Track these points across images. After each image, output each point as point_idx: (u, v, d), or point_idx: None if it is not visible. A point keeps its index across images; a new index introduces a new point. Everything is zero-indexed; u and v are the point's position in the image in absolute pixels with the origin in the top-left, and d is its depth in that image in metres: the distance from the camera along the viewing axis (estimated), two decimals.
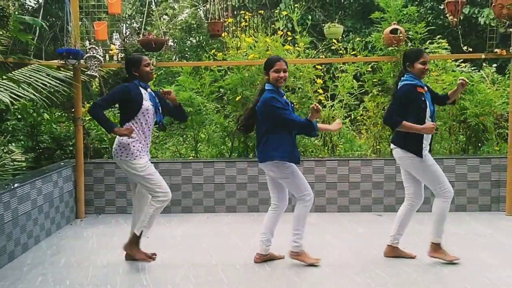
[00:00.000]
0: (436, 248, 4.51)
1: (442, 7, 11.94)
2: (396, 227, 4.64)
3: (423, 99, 4.36)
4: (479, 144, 7.16)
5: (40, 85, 5.66)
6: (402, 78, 4.48)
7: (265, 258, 4.59)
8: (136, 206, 4.73)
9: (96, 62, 6.05)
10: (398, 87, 4.47)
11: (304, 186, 4.41)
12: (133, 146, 4.41)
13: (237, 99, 6.81)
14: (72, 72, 6.26)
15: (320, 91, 7.17)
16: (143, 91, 4.51)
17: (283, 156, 4.29)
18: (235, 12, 13.20)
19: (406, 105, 4.33)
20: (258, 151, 4.43)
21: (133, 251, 4.56)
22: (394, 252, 4.68)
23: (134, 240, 4.55)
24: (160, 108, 4.62)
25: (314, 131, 4.31)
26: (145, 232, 4.51)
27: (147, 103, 4.48)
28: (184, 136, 8.78)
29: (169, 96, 4.65)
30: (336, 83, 7.38)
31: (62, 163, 6.40)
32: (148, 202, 4.52)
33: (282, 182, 4.46)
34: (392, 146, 4.56)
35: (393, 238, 4.67)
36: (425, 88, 4.47)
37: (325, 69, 7.58)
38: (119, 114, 4.62)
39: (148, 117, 4.51)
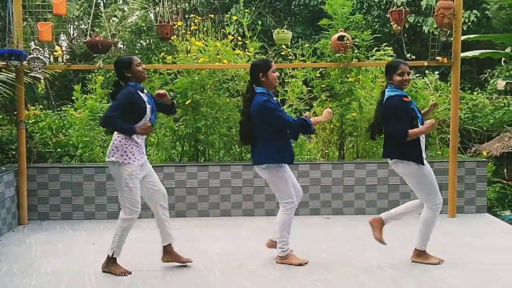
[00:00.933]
0: (420, 254, 4.59)
1: (388, 16, 12.32)
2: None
3: (412, 107, 4.42)
4: None
5: None
6: (385, 89, 4.53)
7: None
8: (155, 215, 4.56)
9: (40, 64, 5.87)
10: (385, 98, 4.48)
11: (288, 191, 4.49)
12: (128, 149, 4.26)
13: (187, 102, 6.76)
14: (14, 74, 6.05)
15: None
16: (141, 94, 4.37)
17: (276, 158, 4.38)
18: (186, 16, 13.13)
19: (400, 116, 4.36)
20: (253, 154, 4.53)
21: (111, 268, 4.40)
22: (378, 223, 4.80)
23: (111, 261, 4.41)
24: (154, 109, 4.49)
25: (310, 128, 4.38)
26: (117, 253, 4.40)
27: (149, 107, 4.36)
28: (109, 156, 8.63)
29: (164, 98, 4.52)
30: (286, 88, 7.45)
31: (3, 168, 6.18)
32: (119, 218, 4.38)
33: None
34: (391, 161, 4.56)
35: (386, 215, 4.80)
36: (409, 97, 4.52)
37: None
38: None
39: (149, 120, 4.38)
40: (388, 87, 4.51)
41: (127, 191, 4.26)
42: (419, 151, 4.39)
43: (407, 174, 4.52)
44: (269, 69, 4.41)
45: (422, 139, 4.48)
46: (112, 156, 4.27)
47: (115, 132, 4.35)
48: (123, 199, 4.30)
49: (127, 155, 4.24)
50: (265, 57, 7.64)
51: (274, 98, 4.48)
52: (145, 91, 4.46)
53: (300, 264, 4.53)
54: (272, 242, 4.76)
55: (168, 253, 4.55)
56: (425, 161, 4.42)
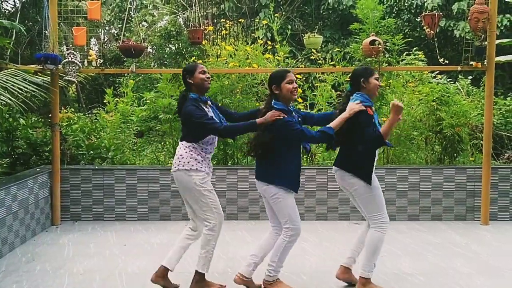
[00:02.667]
0: (365, 283, 4.05)
1: (419, 20, 12.17)
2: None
3: (374, 121, 4.02)
4: (455, 155, 7.28)
5: (17, 89, 5.59)
6: (352, 97, 4.07)
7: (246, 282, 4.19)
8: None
9: (74, 68, 5.99)
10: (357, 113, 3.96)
11: (294, 218, 4.03)
12: (193, 157, 3.99)
13: None
14: (49, 77, 6.19)
15: (300, 100, 7.22)
16: (206, 108, 4.04)
17: (283, 182, 3.95)
18: (215, 20, 13.22)
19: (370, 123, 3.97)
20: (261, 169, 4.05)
21: (203, 285, 4.12)
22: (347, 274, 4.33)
23: (201, 277, 4.13)
24: (222, 119, 4.14)
25: (331, 136, 3.87)
26: (207, 268, 4.12)
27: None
28: (163, 143, 8.74)
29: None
30: (315, 93, 7.43)
31: (38, 169, 6.30)
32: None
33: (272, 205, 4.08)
34: (336, 168, 4.16)
35: (349, 261, 4.34)
36: (373, 108, 4.14)
37: (304, 78, 7.64)
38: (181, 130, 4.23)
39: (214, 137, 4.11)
40: (355, 95, 4.06)
41: (208, 195, 4.00)
42: (370, 168, 4.01)
43: (355, 187, 4.06)
44: (282, 80, 3.92)
45: (376, 156, 4.09)
46: (178, 165, 4.01)
47: (181, 144, 4.08)
48: (207, 207, 4.00)
49: (193, 162, 3.98)
50: (294, 61, 7.67)
51: (294, 114, 4.05)
52: (209, 102, 4.15)
53: None
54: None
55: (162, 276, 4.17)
56: (373, 175, 4.04)
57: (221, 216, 4.08)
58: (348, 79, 7.21)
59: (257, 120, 3.88)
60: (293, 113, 4.04)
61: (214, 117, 4.02)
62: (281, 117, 3.81)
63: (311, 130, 3.95)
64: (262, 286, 4.16)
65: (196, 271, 4.10)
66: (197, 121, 3.91)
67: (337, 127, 3.91)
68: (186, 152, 4.01)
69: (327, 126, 3.91)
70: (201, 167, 3.99)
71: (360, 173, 4.01)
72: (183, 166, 3.98)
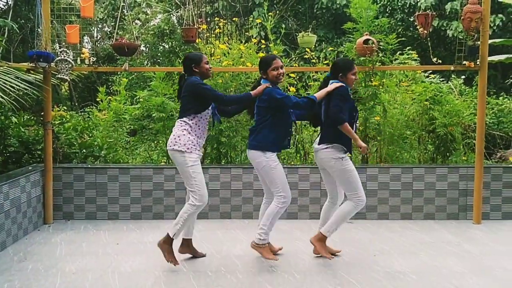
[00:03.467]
0: (321, 239, 4.71)
1: (412, 19, 12.22)
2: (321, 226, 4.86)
3: (351, 102, 4.63)
4: (447, 154, 7.31)
5: (9, 87, 5.55)
6: (333, 81, 4.64)
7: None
8: None
9: (67, 66, 5.96)
10: (336, 85, 4.58)
11: (285, 186, 4.58)
12: (188, 139, 4.48)
13: None
14: (42, 75, 6.15)
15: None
16: None
17: (273, 147, 4.55)
18: (209, 19, 13.20)
19: (344, 105, 4.49)
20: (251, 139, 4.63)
21: (166, 249, 4.59)
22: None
23: (168, 241, 4.60)
24: (216, 108, 4.78)
25: (315, 103, 4.49)
26: (177, 235, 4.57)
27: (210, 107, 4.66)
28: (156, 141, 8.72)
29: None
30: (308, 92, 7.43)
31: (30, 168, 6.27)
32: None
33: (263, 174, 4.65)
34: (321, 146, 4.62)
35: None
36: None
37: (298, 77, 7.64)
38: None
39: (208, 115, 4.64)
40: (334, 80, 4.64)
41: (194, 177, 4.45)
42: (350, 143, 4.57)
43: (334, 166, 4.57)
44: (268, 67, 4.56)
45: (354, 129, 4.62)
46: (175, 145, 4.47)
47: (178, 124, 4.57)
48: (192, 187, 4.47)
49: (189, 145, 4.46)
50: (288, 60, 7.67)
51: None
52: None
53: (269, 259, 4.65)
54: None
55: (187, 246, 4.87)
56: (348, 158, 4.62)
57: (203, 197, 4.50)
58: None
59: (252, 91, 4.59)
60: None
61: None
62: (269, 86, 4.52)
63: (296, 97, 4.51)
64: (252, 245, 4.68)
65: (167, 234, 4.55)
66: (203, 86, 4.48)
67: (319, 98, 4.52)
68: (184, 134, 4.48)
69: (311, 95, 4.53)
70: (195, 150, 4.49)
71: (336, 142, 4.51)
72: (179, 147, 4.46)
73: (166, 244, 4.57)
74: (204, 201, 4.50)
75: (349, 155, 4.75)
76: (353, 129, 4.57)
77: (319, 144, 4.66)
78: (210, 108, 4.63)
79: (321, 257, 4.87)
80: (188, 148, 4.45)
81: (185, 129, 4.51)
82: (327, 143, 4.58)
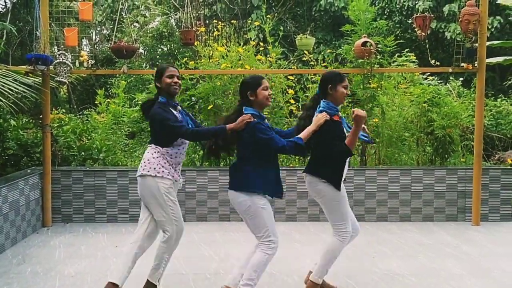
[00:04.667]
0: (313, 287, 4.05)
1: (410, 21, 12.23)
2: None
3: (341, 127, 3.96)
4: (446, 156, 7.32)
5: (7, 90, 5.54)
6: (319, 106, 3.97)
7: None
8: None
9: (65, 68, 5.96)
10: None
11: (273, 228, 3.91)
12: (161, 163, 3.87)
13: (209, 108, 6.81)
14: (40, 78, 6.15)
15: (292, 101, 7.23)
16: (174, 112, 3.93)
17: (261, 188, 3.76)
18: (207, 21, 13.21)
19: (335, 138, 3.87)
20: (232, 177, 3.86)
21: None
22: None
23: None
24: (190, 124, 4.03)
25: (303, 148, 3.74)
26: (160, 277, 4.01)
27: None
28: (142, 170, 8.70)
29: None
30: (307, 94, 7.44)
31: (29, 171, 6.27)
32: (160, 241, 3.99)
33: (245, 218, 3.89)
34: (306, 174, 4.08)
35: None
36: (339, 114, 4.02)
37: (296, 79, 7.65)
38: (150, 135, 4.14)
39: (185, 143, 4.01)
40: (322, 103, 3.96)
41: (171, 206, 3.88)
42: (341, 174, 3.94)
43: (323, 194, 3.98)
44: (258, 86, 3.76)
45: (346, 163, 4.01)
46: (143, 169, 3.88)
47: (149, 148, 3.98)
48: (167, 217, 3.89)
49: (160, 169, 3.86)
50: (286, 62, 7.68)
51: (266, 121, 3.86)
52: (178, 108, 4.01)
53: None
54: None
55: None
56: (342, 185, 3.96)
57: (179, 228, 3.95)
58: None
59: (228, 125, 3.72)
60: (265, 120, 3.88)
61: (182, 121, 3.90)
62: (252, 120, 3.67)
63: (282, 139, 3.73)
64: None
65: (148, 281, 4.00)
66: (164, 123, 3.80)
67: (306, 138, 3.76)
68: (154, 158, 3.88)
69: (297, 136, 3.74)
70: (168, 174, 3.87)
71: (329, 179, 3.92)
72: (148, 171, 3.85)
73: None
74: (180, 229, 3.92)
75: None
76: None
77: (307, 172, 4.07)
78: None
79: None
80: (158, 173, 3.84)
81: (155, 152, 3.90)
82: (315, 176, 3.99)
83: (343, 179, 3.97)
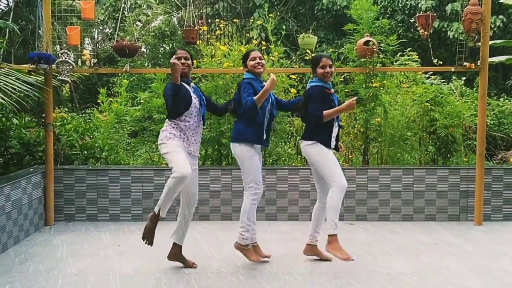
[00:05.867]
0: (331, 240, 4.62)
1: (412, 20, 12.21)
2: (313, 226, 4.87)
3: (332, 98, 4.69)
4: (448, 155, 7.31)
5: (10, 89, 5.55)
6: (310, 80, 4.82)
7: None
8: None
9: (68, 67, 5.97)
10: (308, 87, 4.78)
11: (257, 177, 4.58)
12: (169, 133, 4.44)
13: None
14: (43, 77, 6.16)
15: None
16: (187, 86, 4.49)
17: (246, 138, 4.58)
18: (209, 20, 13.21)
19: (319, 101, 4.59)
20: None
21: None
22: (312, 251, 4.89)
23: (155, 218, 4.43)
24: (203, 102, 4.62)
25: (254, 106, 4.42)
26: (163, 211, 4.41)
27: (195, 97, 4.51)
28: (157, 143, 8.71)
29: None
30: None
31: (31, 169, 6.28)
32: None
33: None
34: (302, 143, 4.74)
35: (311, 237, 4.88)
36: (332, 90, 4.78)
37: (298, 78, 7.65)
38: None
39: (194, 113, 4.50)
40: (313, 79, 4.79)
41: (171, 156, 4.32)
42: (326, 137, 4.62)
43: (310, 154, 4.65)
44: (247, 58, 4.72)
45: (335, 129, 4.72)
46: (159, 141, 4.49)
47: (164, 123, 4.54)
48: (171, 163, 4.34)
49: (169, 136, 4.42)
50: (288, 61, 7.67)
51: (257, 84, 4.64)
52: (192, 84, 4.60)
53: (255, 260, 4.68)
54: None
55: (174, 254, 4.73)
56: (327, 149, 4.63)
57: (182, 169, 4.21)
58: (342, 79, 7.30)
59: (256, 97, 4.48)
60: (263, 82, 4.69)
61: (195, 94, 4.53)
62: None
63: (250, 98, 4.43)
64: (235, 247, 4.71)
65: (153, 211, 4.43)
66: (167, 94, 4.38)
67: (328, 115, 4.54)
68: (165, 129, 4.48)
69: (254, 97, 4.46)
70: (174, 139, 4.40)
71: (313, 139, 4.60)
72: (161, 140, 4.46)
73: (150, 221, 4.42)
74: (183, 172, 4.20)
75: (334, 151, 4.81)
76: (335, 124, 4.70)
77: (301, 139, 4.79)
78: (193, 107, 4.47)
79: (322, 259, 4.87)
80: (169, 139, 4.40)
81: (168, 125, 4.48)
82: (304, 139, 4.71)
83: (332, 142, 4.67)
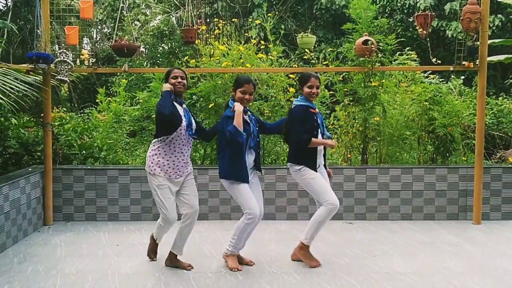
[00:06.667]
0: (303, 247, 4.72)
1: (411, 20, 12.22)
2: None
3: (315, 118, 4.65)
4: (447, 154, 7.31)
5: (8, 89, 5.54)
6: (295, 99, 4.78)
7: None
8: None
9: (66, 67, 5.96)
10: (292, 106, 4.75)
11: (248, 204, 4.45)
12: (153, 160, 4.44)
13: (209, 106, 6.80)
14: (41, 77, 6.15)
15: (293, 99, 7.20)
16: (178, 107, 4.45)
17: (232, 176, 4.46)
18: (208, 20, 13.20)
19: (304, 124, 4.56)
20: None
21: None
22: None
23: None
24: (192, 123, 4.56)
25: (238, 133, 4.31)
26: (158, 239, 4.82)
27: (184, 120, 4.44)
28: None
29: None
30: None
31: (30, 169, 6.27)
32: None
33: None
34: (288, 164, 4.75)
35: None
36: (317, 109, 4.75)
37: (297, 78, 7.63)
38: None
39: (183, 133, 4.44)
40: (299, 97, 4.74)
41: (158, 201, 4.45)
42: (312, 160, 4.62)
43: (298, 180, 4.72)
44: (238, 87, 4.52)
45: (321, 152, 4.73)
46: (146, 165, 4.50)
47: (150, 145, 4.54)
48: (159, 208, 4.48)
49: (155, 167, 4.42)
50: (287, 61, 7.66)
51: (249, 113, 4.63)
52: (183, 106, 4.54)
53: (233, 269, 4.57)
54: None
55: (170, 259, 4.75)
56: (318, 169, 4.68)
57: (168, 221, 4.48)
58: (341, 79, 7.30)
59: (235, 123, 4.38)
60: (248, 112, 4.61)
61: (185, 117, 4.45)
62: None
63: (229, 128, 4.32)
64: (223, 256, 4.77)
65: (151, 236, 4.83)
66: (158, 109, 4.32)
67: (315, 143, 4.57)
68: (151, 155, 4.46)
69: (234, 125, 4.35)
70: (160, 172, 4.41)
71: (300, 163, 4.60)
72: (148, 167, 4.47)
73: (151, 242, 4.85)
74: (169, 219, 4.45)
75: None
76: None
77: (288, 162, 4.76)
78: (182, 128, 4.41)
79: (322, 259, 4.87)
80: (151, 170, 4.43)
81: (155, 149, 4.45)
82: (291, 163, 4.70)
83: (317, 165, 4.67)
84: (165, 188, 4.42)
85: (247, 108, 4.64)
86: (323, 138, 4.71)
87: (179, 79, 4.47)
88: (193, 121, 4.59)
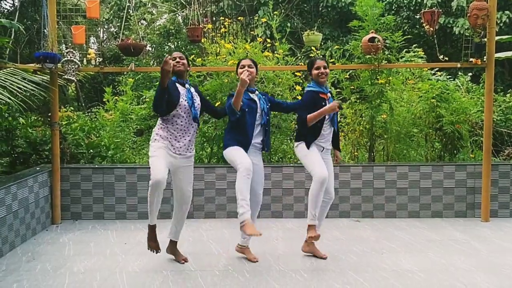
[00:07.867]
0: (308, 228, 4.73)
1: (418, 17, 12.17)
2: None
3: (324, 104, 4.72)
4: (455, 152, 7.28)
5: (16, 88, 5.57)
6: (307, 84, 4.94)
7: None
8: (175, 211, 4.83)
9: (73, 66, 5.99)
10: (305, 92, 4.91)
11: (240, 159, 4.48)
12: (155, 133, 4.52)
13: (216, 104, 6.80)
14: (48, 76, 6.18)
15: (299, 97, 7.20)
16: (180, 87, 4.55)
17: (231, 143, 4.63)
18: (214, 18, 13.21)
19: (311, 108, 4.66)
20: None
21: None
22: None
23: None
24: (195, 104, 4.59)
25: (231, 110, 4.52)
26: (150, 219, 4.54)
27: (184, 99, 4.50)
28: None
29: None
30: None
31: (38, 168, 6.30)
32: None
33: None
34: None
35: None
36: (328, 94, 4.84)
37: (303, 76, 7.63)
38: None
39: (183, 114, 4.50)
40: (310, 83, 4.90)
41: (150, 162, 4.37)
42: (311, 137, 4.73)
43: (297, 153, 4.87)
44: (237, 67, 4.87)
45: (326, 132, 4.81)
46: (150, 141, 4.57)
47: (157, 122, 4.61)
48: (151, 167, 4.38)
49: (156, 137, 4.49)
50: (293, 59, 7.66)
51: (250, 94, 4.77)
52: (186, 86, 4.60)
53: (252, 235, 4.45)
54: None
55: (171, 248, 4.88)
56: (314, 146, 4.76)
57: (154, 182, 4.20)
58: (348, 77, 7.28)
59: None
60: (256, 91, 4.84)
61: (187, 97, 4.52)
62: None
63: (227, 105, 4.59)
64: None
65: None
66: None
67: (313, 117, 4.65)
68: (155, 129, 4.56)
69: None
70: (159, 140, 4.46)
71: (300, 139, 4.76)
72: (150, 141, 4.55)
73: (149, 231, 4.58)
74: (155, 178, 4.18)
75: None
76: (325, 128, 4.79)
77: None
78: (181, 107, 4.47)
79: (329, 256, 4.87)
80: (154, 140, 4.49)
81: (158, 126, 4.56)
82: (296, 141, 4.88)
83: (324, 143, 4.80)
84: (160, 150, 4.41)
85: (255, 88, 4.87)
86: (333, 125, 4.83)
87: (178, 59, 4.59)
88: (196, 99, 4.64)
